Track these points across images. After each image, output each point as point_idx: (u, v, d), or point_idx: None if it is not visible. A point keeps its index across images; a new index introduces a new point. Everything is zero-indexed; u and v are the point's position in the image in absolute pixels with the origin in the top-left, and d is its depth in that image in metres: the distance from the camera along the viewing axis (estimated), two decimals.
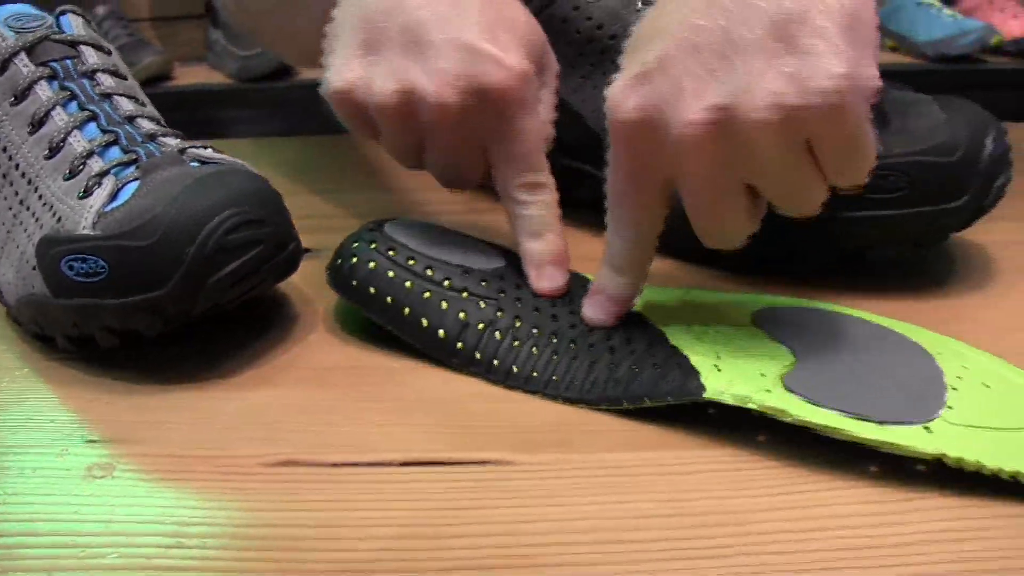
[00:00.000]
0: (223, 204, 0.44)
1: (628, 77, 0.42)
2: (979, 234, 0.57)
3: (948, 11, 2.15)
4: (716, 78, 0.39)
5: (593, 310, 0.46)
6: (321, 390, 0.45)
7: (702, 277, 0.55)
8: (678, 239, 0.46)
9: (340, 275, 0.49)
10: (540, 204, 0.49)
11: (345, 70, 0.49)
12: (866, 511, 0.36)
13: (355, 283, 0.48)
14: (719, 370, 0.41)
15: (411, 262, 0.48)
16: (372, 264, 0.48)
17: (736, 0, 0.39)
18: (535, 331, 0.46)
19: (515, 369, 0.45)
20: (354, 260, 0.49)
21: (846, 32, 0.38)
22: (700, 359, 0.42)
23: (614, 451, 0.40)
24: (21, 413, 0.44)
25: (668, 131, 0.40)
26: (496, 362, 0.45)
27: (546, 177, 0.50)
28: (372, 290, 0.48)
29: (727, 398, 0.40)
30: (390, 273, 0.48)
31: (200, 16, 2.20)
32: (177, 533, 0.36)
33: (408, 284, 0.47)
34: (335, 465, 0.39)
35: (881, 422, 0.38)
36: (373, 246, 0.49)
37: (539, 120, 0.49)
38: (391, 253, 0.48)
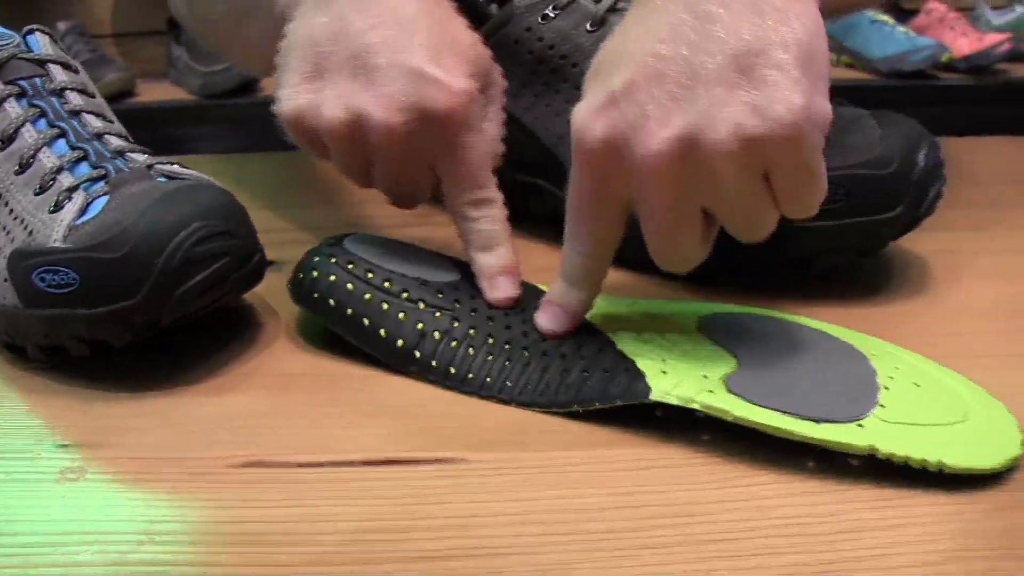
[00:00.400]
0: (191, 217, 0.45)
1: (593, 102, 0.43)
2: (916, 243, 0.60)
3: (901, 28, 2.21)
4: (679, 106, 0.41)
5: (547, 320, 0.48)
6: (284, 396, 0.47)
7: (650, 285, 0.58)
8: (630, 250, 0.48)
9: (301, 289, 0.51)
10: (489, 219, 0.51)
11: (295, 95, 0.51)
12: (802, 502, 0.38)
13: (316, 296, 0.50)
14: (664, 373, 0.43)
15: (370, 275, 0.50)
16: (332, 277, 0.50)
17: (698, 30, 0.41)
18: (489, 339, 0.48)
19: (470, 376, 0.47)
20: (315, 274, 0.50)
21: (802, 65, 0.40)
22: (646, 364, 0.44)
23: (565, 449, 0.42)
24: None
25: (632, 157, 0.42)
26: (452, 369, 0.47)
27: (493, 193, 0.52)
28: (332, 302, 0.50)
29: (672, 399, 0.42)
30: (349, 286, 0.50)
31: (162, 33, 2.21)
32: (148, 531, 0.37)
33: (367, 296, 0.49)
34: (299, 465, 0.41)
35: (817, 420, 0.40)
36: (333, 260, 0.51)
37: (485, 139, 0.52)
38: (350, 267, 0.50)
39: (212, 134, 1.91)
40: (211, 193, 0.48)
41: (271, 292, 0.56)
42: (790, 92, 0.39)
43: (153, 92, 2.01)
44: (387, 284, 0.49)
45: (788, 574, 0.34)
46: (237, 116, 1.91)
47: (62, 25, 2.14)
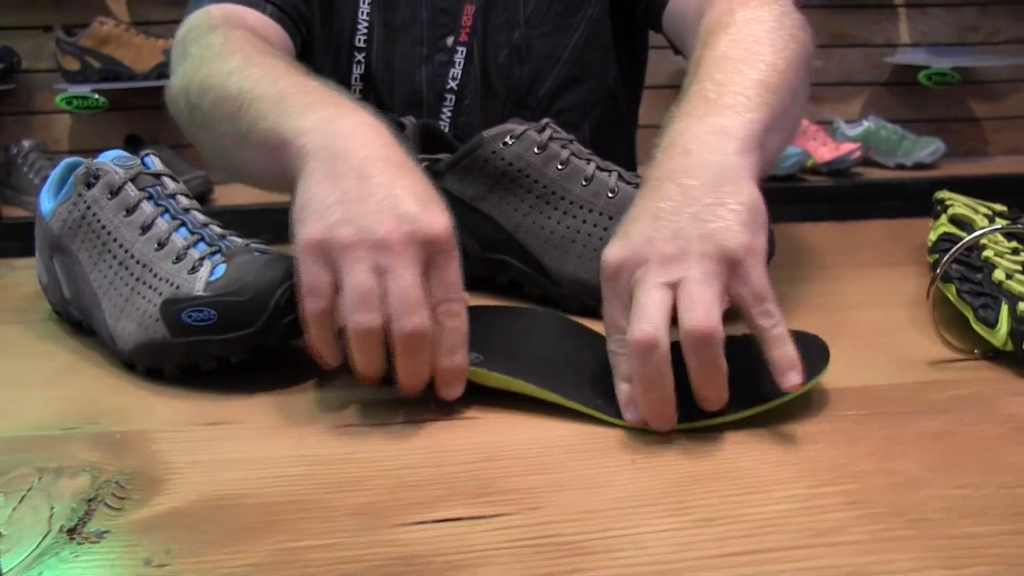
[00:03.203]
0: (288, 275, 0.69)
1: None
2: None
3: None
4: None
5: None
6: (350, 391, 0.71)
7: None
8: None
9: None
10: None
11: (312, 232, 0.65)
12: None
13: None
14: None
15: None
16: None
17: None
18: None
19: None
20: None
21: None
22: None
23: (533, 408, 0.67)
24: (154, 412, 0.68)
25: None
26: None
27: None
28: None
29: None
30: None
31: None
32: (297, 458, 0.60)
33: None
34: (374, 425, 0.65)
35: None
36: None
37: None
38: None
39: None
40: (294, 260, 0.72)
41: None
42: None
43: None
44: None
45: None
46: None
47: (27, 143, 2.35)
